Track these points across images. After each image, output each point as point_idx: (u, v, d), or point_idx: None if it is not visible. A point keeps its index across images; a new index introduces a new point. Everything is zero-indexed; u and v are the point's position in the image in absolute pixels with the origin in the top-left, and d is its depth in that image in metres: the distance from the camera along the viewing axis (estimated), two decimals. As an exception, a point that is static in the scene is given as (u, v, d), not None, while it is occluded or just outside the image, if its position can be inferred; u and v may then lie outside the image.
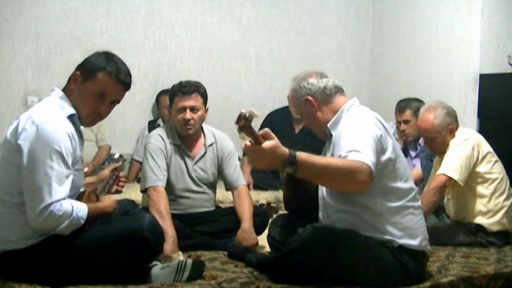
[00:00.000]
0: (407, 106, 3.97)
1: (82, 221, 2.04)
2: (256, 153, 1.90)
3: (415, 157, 4.04)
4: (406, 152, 4.03)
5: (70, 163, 2.04)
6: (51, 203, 1.95)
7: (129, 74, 2.21)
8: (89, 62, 2.17)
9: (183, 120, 2.95)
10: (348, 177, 1.97)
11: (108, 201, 2.21)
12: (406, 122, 3.97)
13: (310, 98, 2.33)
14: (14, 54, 4.40)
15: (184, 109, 2.94)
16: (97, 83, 2.14)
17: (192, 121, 2.96)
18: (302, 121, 2.48)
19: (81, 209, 2.03)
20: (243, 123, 1.83)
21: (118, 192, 2.41)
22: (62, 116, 2.07)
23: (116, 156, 2.45)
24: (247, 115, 1.83)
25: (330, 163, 1.99)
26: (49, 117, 2.03)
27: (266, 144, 1.88)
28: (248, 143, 1.89)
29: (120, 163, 2.42)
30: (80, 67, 2.18)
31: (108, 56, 2.19)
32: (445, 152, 3.08)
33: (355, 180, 1.97)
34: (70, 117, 2.10)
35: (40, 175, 1.96)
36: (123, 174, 2.44)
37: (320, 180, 2.09)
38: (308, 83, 2.35)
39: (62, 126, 2.03)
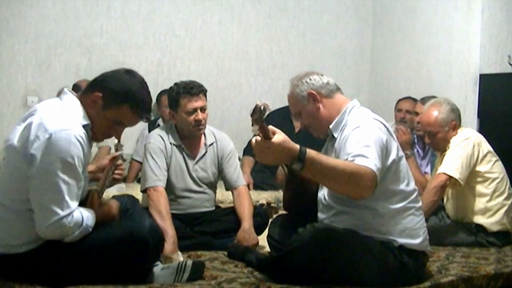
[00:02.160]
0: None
1: (90, 229, 2.05)
2: (265, 148, 1.90)
3: (423, 157, 4.01)
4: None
5: (80, 172, 2.02)
6: (62, 217, 1.95)
7: (150, 106, 2.17)
8: (113, 87, 2.09)
9: (196, 121, 2.95)
10: (352, 181, 1.97)
11: (115, 207, 2.22)
12: None
13: (313, 92, 2.33)
14: (14, 54, 4.40)
15: (195, 110, 2.94)
16: (119, 114, 2.10)
17: (203, 121, 2.97)
18: (301, 121, 2.43)
19: (89, 218, 2.05)
20: (258, 116, 1.82)
21: (116, 180, 2.40)
22: (77, 123, 2.03)
23: (115, 142, 2.43)
24: (262, 107, 1.81)
25: (337, 165, 1.99)
26: (63, 125, 1.98)
27: (276, 138, 1.89)
28: (258, 138, 1.90)
29: (118, 153, 2.40)
30: (101, 88, 2.09)
31: (136, 83, 2.12)
32: (446, 149, 3.09)
33: (359, 185, 1.97)
34: (84, 127, 2.07)
35: (52, 187, 1.94)
36: (121, 162, 2.41)
37: (325, 181, 2.08)
38: (310, 79, 2.36)
39: (75, 134, 1.98)
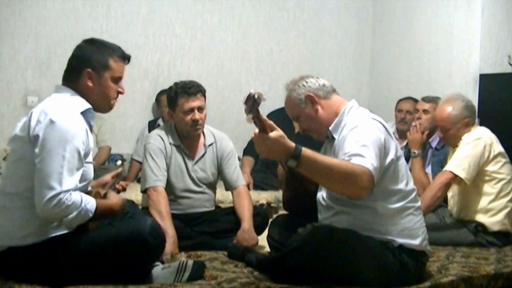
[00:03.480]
0: (434, 100, 3.86)
1: (90, 214, 2.04)
2: (261, 140, 1.91)
3: (423, 157, 4.00)
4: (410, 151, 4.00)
5: (82, 155, 2.07)
6: (60, 192, 1.97)
7: (120, 48, 2.30)
8: (94, 56, 2.21)
9: (193, 121, 2.95)
10: (349, 180, 1.97)
11: (116, 198, 2.21)
12: (425, 112, 3.84)
13: (311, 94, 2.33)
14: (14, 54, 4.40)
15: (192, 110, 2.95)
16: (113, 71, 2.22)
17: (200, 121, 2.97)
18: (300, 125, 2.42)
19: (89, 202, 2.05)
20: (251, 104, 1.83)
21: (118, 192, 2.43)
22: (76, 112, 2.11)
23: (119, 163, 2.49)
24: (256, 96, 1.82)
25: (333, 164, 1.99)
26: (63, 111, 2.07)
27: (273, 133, 1.90)
28: (257, 131, 1.91)
29: (120, 169, 2.45)
30: (86, 65, 2.20)
31: (103, 43, 2.29)
32: (457, 145, 3.09)
33: (355, 184, 1.97)
34: (83, 113, 2.14)
35: (52, 163, 1.98)
36: (124, 183, 2.48)
37: (321, 179, 2.08)
38: (307, 82, 2.36)
39: (76, 120, 2.07)
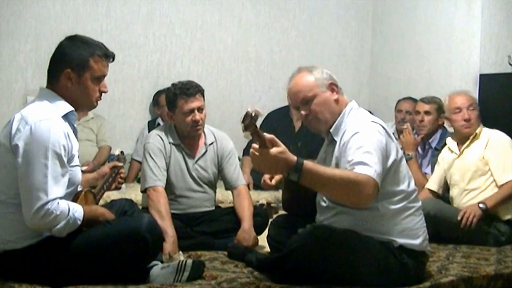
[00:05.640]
0: (433, 100, 3.87)
1: (79, 222, 2.04)
2: (261, 156, 1.89)
3: (423, 157, 3.99)
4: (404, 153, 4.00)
5: (65, 161, 2.04)
6: (47, 202, 1.96)
7: (104, 46, 2.22)
8: (73, 55, 2.14)
9: (194, 122, 2.95)
10: (353, 190, 1.97)
11: (101, 210, 2.21)
12: (427, 113, 3.85)
13: (334, 83, 2.34)
14: (14, 54, 4.40)
15: (192, 111, 2.94)
16: (94, 70, 2.15)
17: (201, 121, 2.97)
18: (308, 109, 2.32)
19: (77, 210, 2.04)
20: (249, 122, 1.83)
21: (117, 188, 2.43)
22: (56, 115, 2.07)
23: (117, 152, 2.46)
24: (253, 114, 1.82)
25: (335, 175, 1.99)
26: (43, 116, 2.03)
27: (274, 149, 1.88)
28: (256, 146, 1.89)
29: (120, 162, 2.43)
30: (65, 65, 2.13)
31: (84, 40, 2.20)
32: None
33: (360, 193, 1.97)
34: (66, 116, 2.11)
35: (35, 174, 1.97)
36: (123, 170, 2.45)
37: (324, 190, 2.09)
38: (326, 72, 2.37)
39: (56, 124, 2.03)
